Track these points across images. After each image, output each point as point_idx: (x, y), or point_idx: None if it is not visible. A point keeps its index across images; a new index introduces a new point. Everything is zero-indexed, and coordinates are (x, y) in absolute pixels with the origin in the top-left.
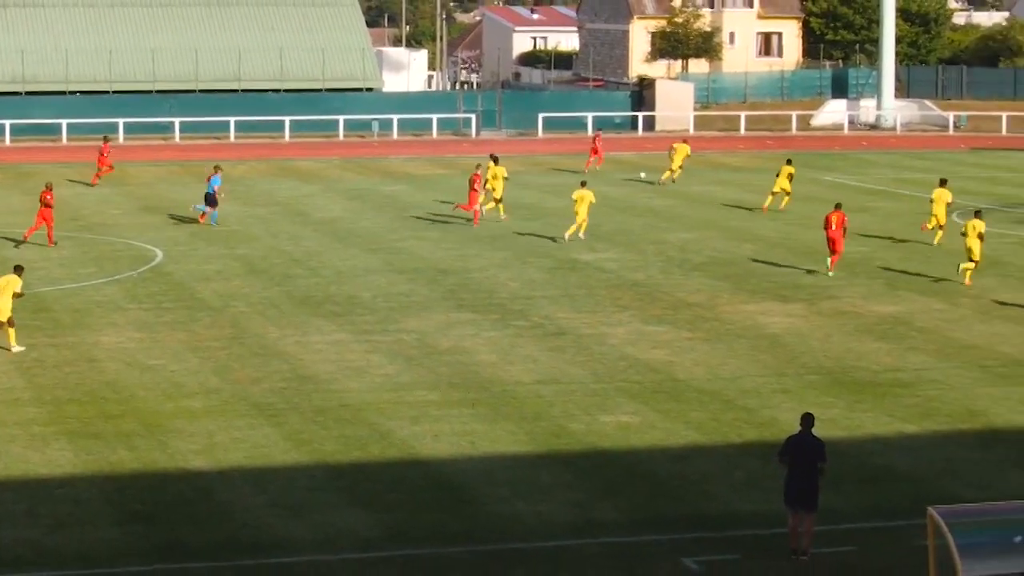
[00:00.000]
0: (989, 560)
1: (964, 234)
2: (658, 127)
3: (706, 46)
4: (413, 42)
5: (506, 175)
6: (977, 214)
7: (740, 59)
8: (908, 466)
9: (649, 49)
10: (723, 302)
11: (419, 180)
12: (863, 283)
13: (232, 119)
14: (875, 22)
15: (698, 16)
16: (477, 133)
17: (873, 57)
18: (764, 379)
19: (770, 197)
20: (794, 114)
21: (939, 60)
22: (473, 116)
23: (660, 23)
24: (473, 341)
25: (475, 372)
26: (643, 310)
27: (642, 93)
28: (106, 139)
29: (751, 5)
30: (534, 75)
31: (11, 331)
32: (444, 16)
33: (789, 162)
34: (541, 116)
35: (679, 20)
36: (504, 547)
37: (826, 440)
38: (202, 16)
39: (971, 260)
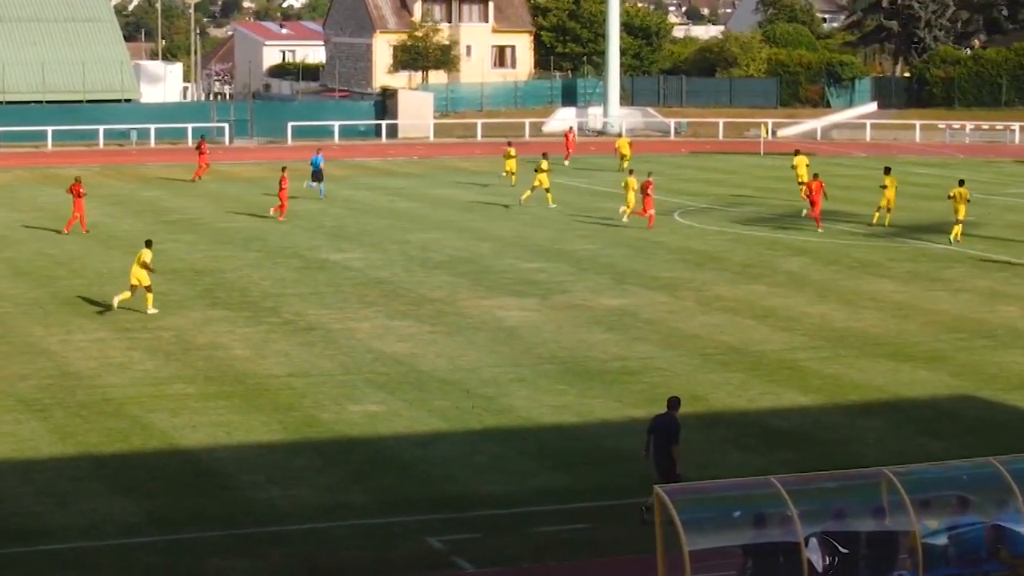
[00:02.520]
0: (711, 534)
1: (952, 197)
2: (401, 134)
3: (444, 58)
4: (169, 55)
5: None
6: (961, 183)
7: (476, 70)
8: (635, 448)
9: (391, 61)
10: (463, 297)
11: (175, 186)
12: (592, 278)
13: None
14: (601, 36)
15: (437, 31)
16: (230, 141)
17: (600, 68)
18: (502, 369)
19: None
20: (527, 121)
21: (661, 71)
22: (226, 125)
23: (401, 37)
24: (228, 337)
25: (230, 366)
26: (388, 306)
27: (385, 103)
28: (203, 139)
29: (486, 20)
30: (283, 86)
31: (148, 297)
32: (198, 31)
33: (797, 152)
34: (290, 125)
35: (419, 34)
36: (260, 530)
37: (559, 425)
38: None
39: (958, 221)
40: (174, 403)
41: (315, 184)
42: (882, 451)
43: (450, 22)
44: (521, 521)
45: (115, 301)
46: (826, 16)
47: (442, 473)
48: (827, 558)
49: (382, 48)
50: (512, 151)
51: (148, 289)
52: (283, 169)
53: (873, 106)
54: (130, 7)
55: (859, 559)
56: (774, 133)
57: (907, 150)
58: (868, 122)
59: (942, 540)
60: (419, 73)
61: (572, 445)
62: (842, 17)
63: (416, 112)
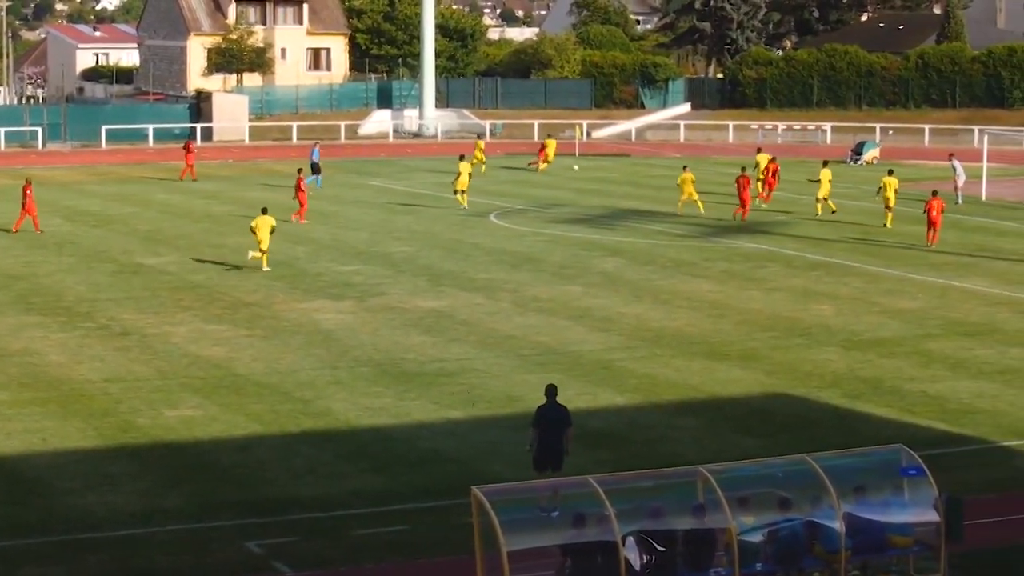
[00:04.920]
0: (529, 534)
1: (882, 188)
2: (216, 137)
3: (259, 61)
4: None
5: (470, 171)
6: (890, 172)
7: (291, 73)
8: (454, 449)
9: (206, 64)
10: (279, 301)
11: None
12: (408, 280)
13: None
14: (416, 38)
15: (251, 33)
16: (44, 145)
17: (415, 70)
18: (318, 372)
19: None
20: (343, 124)
21: (476, 72)
22: (39, 129)
23: (216, 39)
24: (42, 343)
25: (45, 372)
26: (204, 310)
27: (200, 106)
28: (189, 139)
29: (301, 22)
30: (97, 90)
31: (265, 257)
32: (9, 34)
33: (759, 151)
34: (104, 128)
35: (234, 37)
36: (76, 537)
37: (376, 427)
38: None
39: (887, 208)
40: None
41: (312, 176)
42: (698, 450)
43: (264, 24)
44: (338, 524)
45: (250, 255)
46: (640, 18)
47: (259, 477)
48: (645, 556)
49: (196, 50)
50: (480, 143)
51: (264, 251)
52: (299, 171)
53: (687, 107)
54: None
55: (676, 557)
56: (589, 134)
57: (720, 151)
58: (682, 123)
59: (758, 537)
60: (234, 76)
61: (389, 447)
62: (655, 19)
63: (231, 115)
